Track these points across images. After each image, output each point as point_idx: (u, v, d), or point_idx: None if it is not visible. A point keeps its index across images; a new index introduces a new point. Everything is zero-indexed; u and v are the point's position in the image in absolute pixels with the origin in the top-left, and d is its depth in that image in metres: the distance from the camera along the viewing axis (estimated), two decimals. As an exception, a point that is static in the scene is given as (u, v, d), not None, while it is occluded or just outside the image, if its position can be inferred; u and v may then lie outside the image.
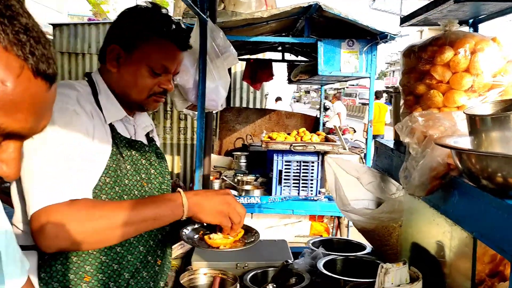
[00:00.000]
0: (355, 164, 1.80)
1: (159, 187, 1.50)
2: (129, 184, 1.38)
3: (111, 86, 1.44)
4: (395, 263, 1.21)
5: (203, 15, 2.57)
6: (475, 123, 0.99)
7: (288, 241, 3.94)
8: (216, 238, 1.35)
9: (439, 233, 1.30)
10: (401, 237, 1.61)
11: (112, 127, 1.40)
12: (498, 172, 0.90)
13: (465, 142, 1.06)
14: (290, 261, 1.65)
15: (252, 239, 1.40)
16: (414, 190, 1.23)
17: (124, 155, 1.39)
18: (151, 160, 1.49)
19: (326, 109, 16.22)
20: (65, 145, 1.24)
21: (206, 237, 1.36)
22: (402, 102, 1.58)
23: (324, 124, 13.63)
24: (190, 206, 1.28)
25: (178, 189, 1.31)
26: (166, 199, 1.31)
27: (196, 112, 2.61)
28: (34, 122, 0.65)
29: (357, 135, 14.04)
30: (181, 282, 1.45)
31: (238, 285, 1.41)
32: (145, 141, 1.53)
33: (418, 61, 1.47)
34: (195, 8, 2.40)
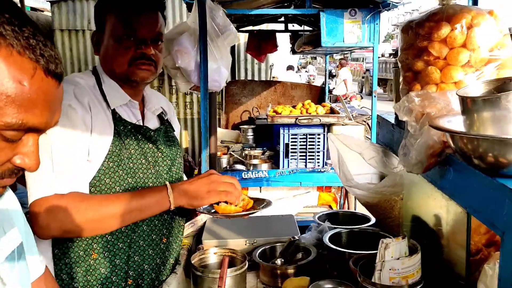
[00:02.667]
0: (357, 140, 1.83)
1: (167, 169, 1.56)
2: (134, 167, 1.45)
3: (106, 72, 1.50)
4: (395, 238, 1.27)
5: (200, -5, 2.54)
6: (467, 104, 1.02)
7: (297, 211, 4.07)
8: (223, 206, 1.42)
9: (437, 207, 1.35)
10: (403, 209, 1.66)
11: (114, 114, 1.45)
12: (489, 152, 0.94)
13: (458, 121, 1.09)
14: (296, 237, 1.72)
15: (263, 204, 1.48)
16: (412, 168, 1.28)
17: (127, 141, 1.45)
18: (157, 144, 1.53)
19: (332, 76, 16.13)
20: (59, 140, 1.31)
21: (215, 206, 1.43)
22: (401, 78, 1.60)
23: (330, 92, 13.58)
24: (177, 196, 1.36)
25: (166, 182, 1.39)
26: (151, 190, 1.39)
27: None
28: (49, 117, 0.73)
29: (364, 102, 13.99)
30: (192, 262, 1.52)
31: (246, 263, 1.48)
32: (153, 125, 1.57)
33: (416, 38, 1.48)
34: (192, -13, 2.37)
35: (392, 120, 1.79)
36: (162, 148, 1.55)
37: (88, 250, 1.39)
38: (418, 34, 1.46)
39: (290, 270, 1.62)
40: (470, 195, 1.06)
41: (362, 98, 15.29)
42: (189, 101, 7.07)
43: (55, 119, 0.76)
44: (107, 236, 1.41)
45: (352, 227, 1.88)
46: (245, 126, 5.05)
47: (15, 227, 0.92)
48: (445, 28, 1.39)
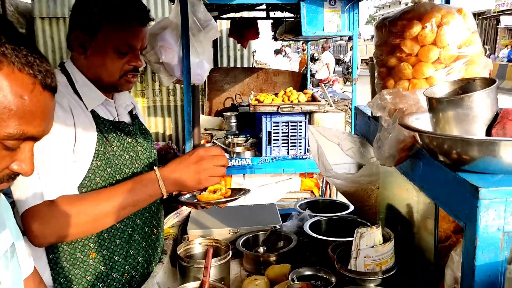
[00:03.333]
0: (336, 131, 1.90)
1: (147, 161, 1.60)
2: (119, 164, 1.48)
3: (84, 72, 1.47)
4: (369, 227, 1.35)
5: (181, -10, 2.56)
6: (433, 104, 1.09)
7: (280, 197, 4.15)
8: (206, 195, 1.50)
9: (409, 197, 1.43)
10: (378, 198, 1.75)
11: (93, 113, 1.45)
12: (452, 150, 1.02)
13: (426, 118, 1.16)
14: (278, 226, 1.79)
15: (243, 192, 1.56)
16: (385, 161, 1.35)
17: (109, 138, 1.46)
18: (136, 138, 1.57)
19: (315, 60, 16.16)
20: (43, 146, 1.27)
21: (198, 195, 1.50)
22: (376, 73, 1.67)
23: (313, 76, 13.65)
24: (169, 186, 1.36)
25: (154, 168, 1.37)
26: (143, 184, 1.36)
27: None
28: (45, 126, 0.80)
29: (346, 86, 14.10)
30: (178, 252, 1.58)
31: (230, 252, 1.54)
32: (128, 120, 1.60)
33: (389, 35, 1.54)
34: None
35: (369, 112, 1.87)
36: (140, 141, 1.58)
37: (85, 250, 1.42)
38: (391, 31, 1.53)
39: (272, 258, 1.70)
40: (437, 187, 1.14)
41: (345, 82, 15.39)
42: (172, 88, 7.05)
43: (50, 127, 0.82)
44: (103, 234, 1.44)
45: (331, 214, 1.97)
46: (228, 113, 5.09)
47: (7, 229, 0.97)
48: (416, 27, 1.45)
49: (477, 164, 0.98)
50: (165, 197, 1.39)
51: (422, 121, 1.17)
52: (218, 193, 1.51)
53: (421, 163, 1.24)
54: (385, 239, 1.38)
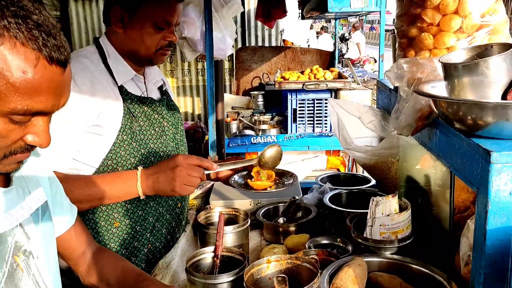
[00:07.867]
0: (357, 104, 1.90)
1: (173, 137, 1.64)
2: (145, 139, 1.52)
3: (119, 47, 1.53)
4: (385, 196, 1.36)
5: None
6: (448, 70, 1.08)
7: (306, 175, 4.17)
8: (258, 182, 1.53)
9: (427, 167, 1.43)
10: (398, 170, 1.75)
11: (121, 88, 1.50)
12: (467, 115, 1.01)
13: (442, 86, 1.16)
14: (297, 197, 1.82)
15: (291, 181, 1.58)
16: (402, 130, 1.35)
17: (135, 113, 1.50)
18: (163, 114, 1.60)
19: (346, 39, 15.89)
20: (62, 119, 1.31)
21: (249, 181, 1.54)
22: (397, 44, 1.66)
23: (343, 56, 13.43)
24: (145, 188, 1.40)
25: (138, 168, 1.42)
26: (123, 180, 1.41)
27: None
28: (54, 101, 0.79)
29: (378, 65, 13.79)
30: (199, 220, 1.64)
31: (249, 220, 1.58)
32: (156, 96, 1.64)
33: (410, 5, 1.52)
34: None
35: (390, 85, 1.85)
36: (167, 117, 1.62)
37: (109, 219, 1.49)
38: (413, 1, 1.51)
39: (291, 228, 1.73)
40: (452, 154, 1.14)
41: (376, 61, 15.06)
42: (201, 68, 7.09)
43: (63, 101, 0.82)
44: (126, 205, 1.50)
45: (351, 188, 1.98)
46: (256, 92, 5.11)
47: (40, 187, 1.02)
48: (438, -5, 1.43)
49: (490, 129, 0.98)
50: (141, 198, 1.42)
51: (438, 89, 1.17)
52: (263, 177, 1.53)
53: (437, 132, 1.24)
54: (402, 209, 1.39)
